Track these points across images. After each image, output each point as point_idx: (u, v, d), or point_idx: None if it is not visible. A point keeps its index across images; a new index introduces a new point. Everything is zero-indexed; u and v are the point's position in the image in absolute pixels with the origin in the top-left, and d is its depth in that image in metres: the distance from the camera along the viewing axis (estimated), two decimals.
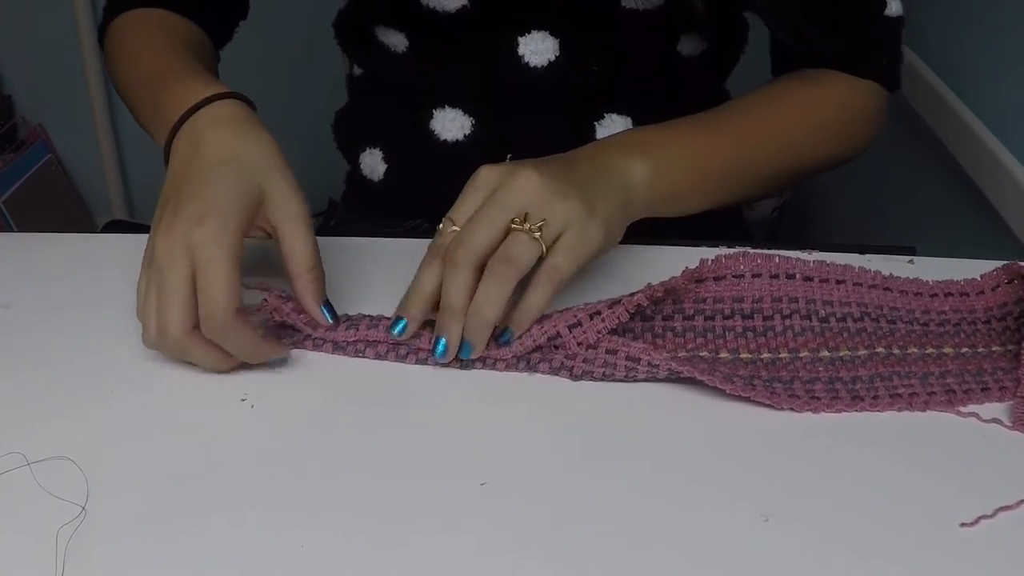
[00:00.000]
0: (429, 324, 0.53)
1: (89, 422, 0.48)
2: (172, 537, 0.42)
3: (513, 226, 0.51)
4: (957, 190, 1.04)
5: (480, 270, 0.51)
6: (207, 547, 0.41)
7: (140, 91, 0.65)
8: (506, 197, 0.52)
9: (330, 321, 0.54)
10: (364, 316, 0.55)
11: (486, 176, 0.54)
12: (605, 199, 0.56)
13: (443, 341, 0.52)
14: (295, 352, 0.54)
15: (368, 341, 0.53)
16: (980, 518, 0.44)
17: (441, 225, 0.54)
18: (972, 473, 0.47)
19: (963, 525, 0.44)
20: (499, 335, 0.52)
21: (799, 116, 0.69)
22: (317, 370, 0.53)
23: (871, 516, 0.44)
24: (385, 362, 0.53)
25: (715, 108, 0.68)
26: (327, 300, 0.54)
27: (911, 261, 0.63)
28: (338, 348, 0.54)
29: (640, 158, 0.60)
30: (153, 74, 0.63)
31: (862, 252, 0.64)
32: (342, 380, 0.52)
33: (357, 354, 0.53)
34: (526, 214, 0.52)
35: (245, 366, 0.52)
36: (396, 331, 0.52)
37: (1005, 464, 0.48)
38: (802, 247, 0.63)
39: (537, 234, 0.51)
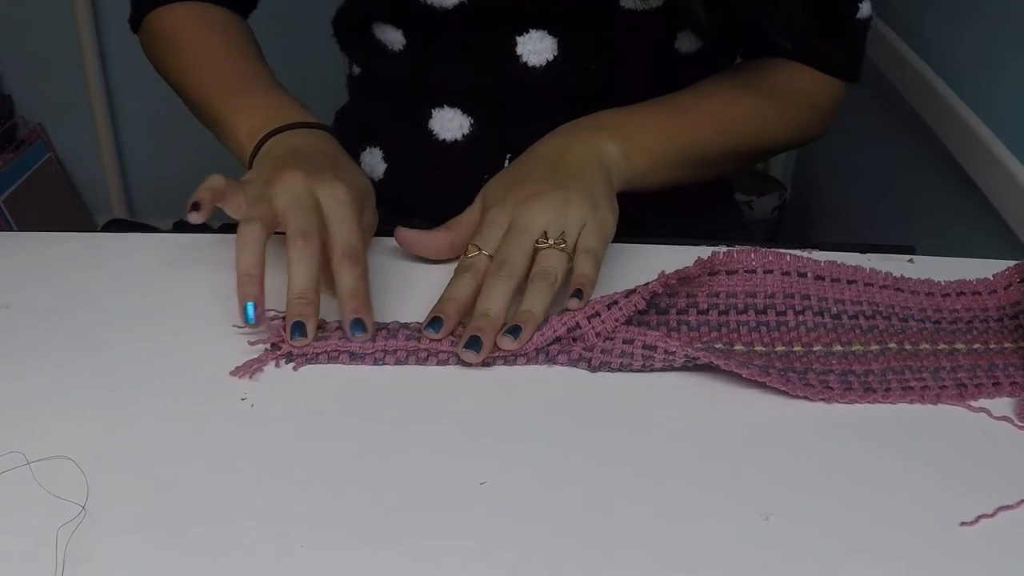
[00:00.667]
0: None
1: (89, 422, 0.48)
2: (172, 537, 0.42)
3: (539, 245, 0.57)
4: (957, 190, 1.04)
5: (517, 287, 0.55)
6: (207, 547, 0.41)
7: (219, 92, 0.69)
8: (525, 225, 0.57)
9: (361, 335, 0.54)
10: (380, 327, 0.54)
11: (497, 214, 0.59)
12: (596, 185, 0.60)
13: (479, 341, 0.52)
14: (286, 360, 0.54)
15: (387, 350, 0.53)
16: (980, 517, 0.44)
17: (468, 249, 0.57)
18: (975, 472, 0.47)
19: (963, 524, 0.44)
20: (570, 296, 0.55)
21: (762, 103, 0.73)
22: (317, 370, 0.53)
23: (871, 514, 0.44)
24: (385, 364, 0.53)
25: (685, 90, 0.72)
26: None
27: (911, 260, 0.63)
28: (356, 358, 0.53)
29: (612, 140, 0.64)
30: (236, 77, 0.70)
31: (862, 252, 0.64)
32: (343, 379, 0.52)
33: (376, 363, 0.53)
34: (545, 232, 0.57)
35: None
36: (435, 330, 0.53)
37: (1009, 463, 0.48)
38: (802, 247, 0.64)
39: (562, 245, 0.56)
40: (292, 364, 0.53)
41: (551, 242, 0.56)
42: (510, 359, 0.53)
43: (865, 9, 0.73)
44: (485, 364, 0.53)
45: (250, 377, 0.52)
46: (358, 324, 0.53)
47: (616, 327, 0.54)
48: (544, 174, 0.61)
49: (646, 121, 0.68)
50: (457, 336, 0.54)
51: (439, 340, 0.53)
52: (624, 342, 0.53)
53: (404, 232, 0.62)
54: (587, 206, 0.58)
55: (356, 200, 0.58)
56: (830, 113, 0.78)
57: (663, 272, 0.55)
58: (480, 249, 0.57)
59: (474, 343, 0.52)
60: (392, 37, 0.75)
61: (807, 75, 0.74)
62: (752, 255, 0.57)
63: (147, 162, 1.91)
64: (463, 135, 0.75)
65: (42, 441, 0.47)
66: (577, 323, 0.54)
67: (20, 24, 1.77)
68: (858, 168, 1.40)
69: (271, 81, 0.70)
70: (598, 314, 0.54)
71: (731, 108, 0.72)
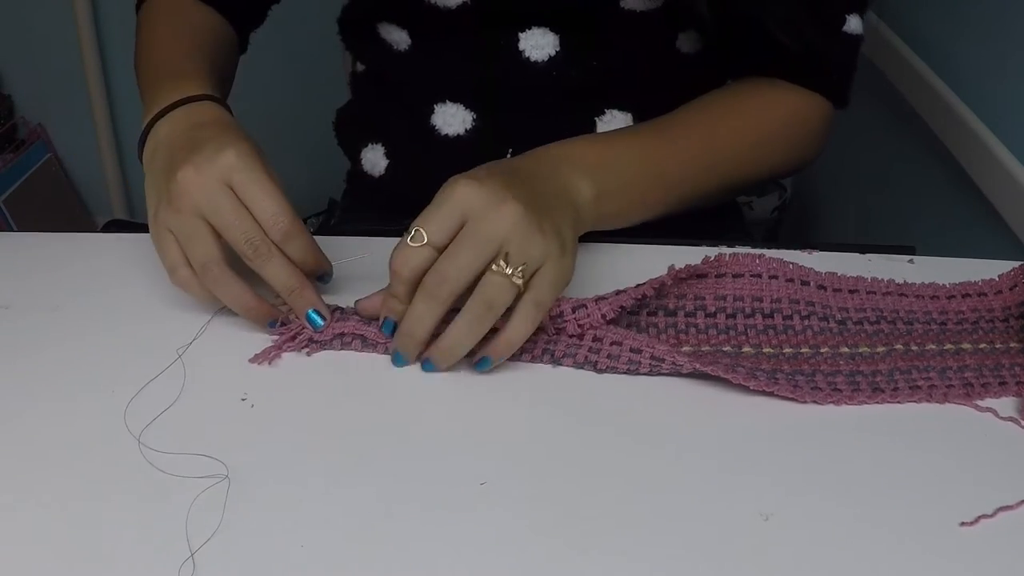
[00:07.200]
0: None
1: (90, 422, 0.48)
2: (172, 537, 0.42)
3: (493, 268, 0.50)
4: (957, 190, 1.04)
5: (452, 304, 0.51)
6: (207, 547, 0.41)
7: (144, 79, 0.67)
8: (487, 231, 0.50)
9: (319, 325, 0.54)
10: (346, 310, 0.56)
11: (465, 196, 0.51)
12: (565, 225, 0.55)
13: (401, 357, 0.53)
14: (295, 352, 0.54)
15: (355, 334, 0.54)
16: (980, 517, 0.44)
17: (411, 232, 0.51)
18: (975, 472, 0.47)
19: (963, 524, 0.44)
20: (477, 363, 0.52)
21: (746, 131, 0.69)
22: (318, 370, 0.53)
23: (871, 515, 0.44)
24: (386, 361, 0.53)
25: (667, 117, 0.68)
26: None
27: (911, 261, 0.63)
28: (367, 345, 0.54)
29: (588, 180, 0.59)
30: (158, 64, 0.66)
31: (862, 252, 0.64)
32: (342, 379, 0.52)
33: (388, 352, 0.53)
34: (507, 253, 0.50)
35: (246, 367, 0.52)
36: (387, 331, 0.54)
37: (1010, 463, 0.48)
38: (802, 247, 0.64)
39: (519, 279, 0.50)
40: (306, 351, 0.54)
41: (510, 272, 0.50)
42: (516, 353, 0.53)
43: (854, 24, 0.70)
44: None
45: (269, 363, 0.52)
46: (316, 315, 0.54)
47: (616, 314, 0.54)
48: (527, 190, 0.55)
49: (630, 156, 0.63)
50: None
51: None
52: (632, 351, 0.53)
53: (363, 302, 0.56)
54: (556, 245, 0.52)
55: (252, 157, 0.54)
56: (821, 136, 0.74)
57: (672, 266, 0.55)
58: (425, 237, 0.51)
59: (399, 359, 0.53)
60: (397, 37, 0.76)
61: (790, 95, 0.72)
62: (758, 261, 0.57)
63: None
64: (465, 130, 0.75)
65: (42, 441, 0.47)
66: (561, 311, 0.53)
67: (20, 24, 1.77)
68: (858, 168, 1.40)
69: (187, 66, 0.65)
70: (604, 298, 0.54)
71: (722, 140, 0.68)
